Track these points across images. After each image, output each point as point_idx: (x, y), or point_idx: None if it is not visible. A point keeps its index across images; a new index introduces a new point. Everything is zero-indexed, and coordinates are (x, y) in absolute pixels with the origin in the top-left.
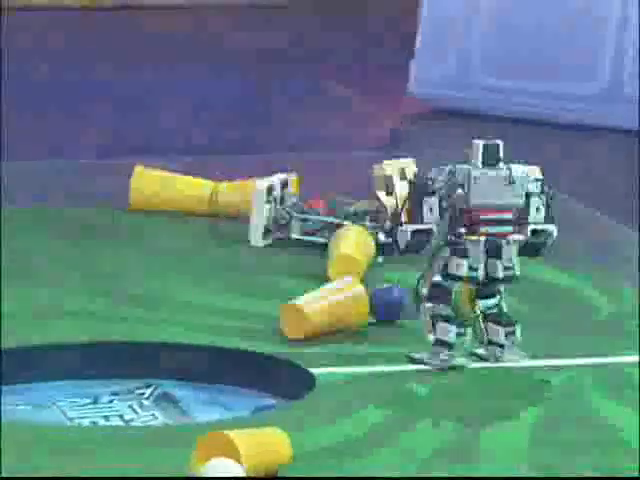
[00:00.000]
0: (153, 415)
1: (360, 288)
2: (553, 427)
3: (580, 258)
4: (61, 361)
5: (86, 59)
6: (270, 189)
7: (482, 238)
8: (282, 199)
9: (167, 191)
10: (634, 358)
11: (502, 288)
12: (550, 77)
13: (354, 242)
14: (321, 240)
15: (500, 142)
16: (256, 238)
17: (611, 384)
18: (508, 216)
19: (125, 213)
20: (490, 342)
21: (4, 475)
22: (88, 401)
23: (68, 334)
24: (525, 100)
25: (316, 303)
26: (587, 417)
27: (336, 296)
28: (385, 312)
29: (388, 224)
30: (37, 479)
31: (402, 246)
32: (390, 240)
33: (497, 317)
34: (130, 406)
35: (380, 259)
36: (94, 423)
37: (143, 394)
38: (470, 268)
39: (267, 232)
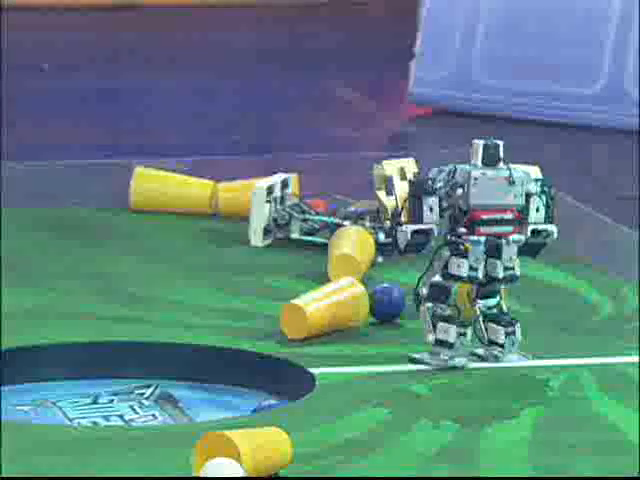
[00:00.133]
0: (153, 415)
1: (360, 288)
2: (553, 427)
3: (580, 258)
4: (61, 361)
5: (86, 59)
6: (270, 189)
7: (482, 238)
8: (282, 199)
9: (168, 192)
10: (634, 358)
11: (502, 288)
12: (550, 78)
13: (354, 242)
14: (321, 240)
15: (500, 142)
16: (256, 238)
17: (611, 384)
18: (508, 216)
19: (125, 213)
20: (491, 342)
21: (4, 475)
22: (88, 401)
23: (68, 334)
24: (525, 100)
25: (317, 303)
26: (588, 417)
27: (336, 296)
28: (385, 311)
29: (388, 224)
30: (37, 479)
31: (402, 246)
32: (390, 240)
33: (497, 317)
34: (130, 406)
35: (380, 259)
36: (94, 423)
37: (143, 394)
38: (470, 268)
39: (267, 232)
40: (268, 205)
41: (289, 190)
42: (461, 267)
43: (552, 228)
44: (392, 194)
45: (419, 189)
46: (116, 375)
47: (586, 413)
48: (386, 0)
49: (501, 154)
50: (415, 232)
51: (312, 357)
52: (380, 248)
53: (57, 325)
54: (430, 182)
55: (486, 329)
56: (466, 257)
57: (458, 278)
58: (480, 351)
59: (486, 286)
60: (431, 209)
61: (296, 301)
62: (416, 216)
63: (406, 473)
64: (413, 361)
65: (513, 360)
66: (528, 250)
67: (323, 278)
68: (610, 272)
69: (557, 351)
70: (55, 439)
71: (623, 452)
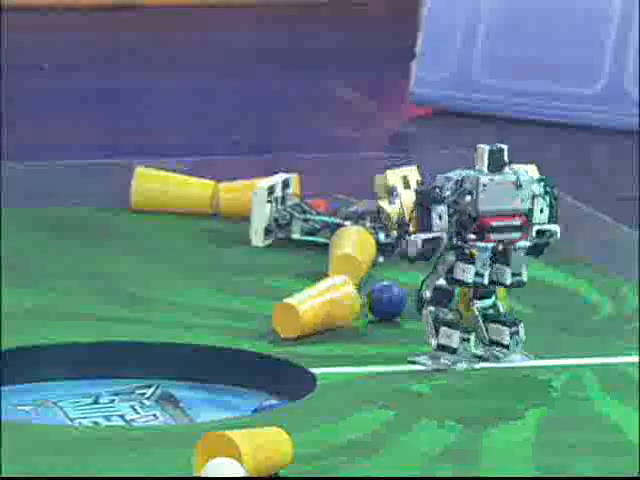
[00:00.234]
0: (154, 415)
1: (351, 286)
2: (556, 427)
3: (580, 258)
4: (61, 361)
5: (86, 59)
6: (271, 189)
7: (490, 244)
8: (283, 199)
9: (169, 192)
10: (634, 358)
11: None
12: (551, 78)
13: (355, 242)
14: (322, 240)
15: (505, 146)
16: (257, 238)
17: (613, 384)
18: (516, 222)
19: (125, 213)
20: (492, 342)
21: (4, 475)
22: (89, 401)
23: (68, 334)
24: (526, 100)
25: (309, 302)
26: (590, 417)
27: (329, 294)
28: (385, 310)
29: (395, 233)
30: (37, 479)
31: (412, 256)
32: (390, 240)
33: (499, 317)
34: (131, 406)
35: (381, 259)
36: (95, 423)
37: (144, 394)
38: (476, 274)
39: (268, 232)
40: (269, 205)
41: (290, 190)
42: (466, 272)
43: (555, 228)
44: (395, 204)
45: (427, 198)
46: (116, 375)
47: (588, 413)
48: (386, 0)
49: (506, 158)
50: (424, 241)
51: (312, 357)
52: (381, 248)
53: (57, 325)
54: (438, 190)
55: (487, 329)
56: (472, 262)
57: (463, 283)
58: (480, 351)
59: (483, 287)
60: (440, 217)
61: (289, 300)
62: (425, 225)
63: (409, 473)
64: (414, 364)
65: (516, 360)
66: (532, 250)
67: (324, 278)
68: (610, 272)
69: (558, 351)
70: (55, 439)
71: (625, 452)
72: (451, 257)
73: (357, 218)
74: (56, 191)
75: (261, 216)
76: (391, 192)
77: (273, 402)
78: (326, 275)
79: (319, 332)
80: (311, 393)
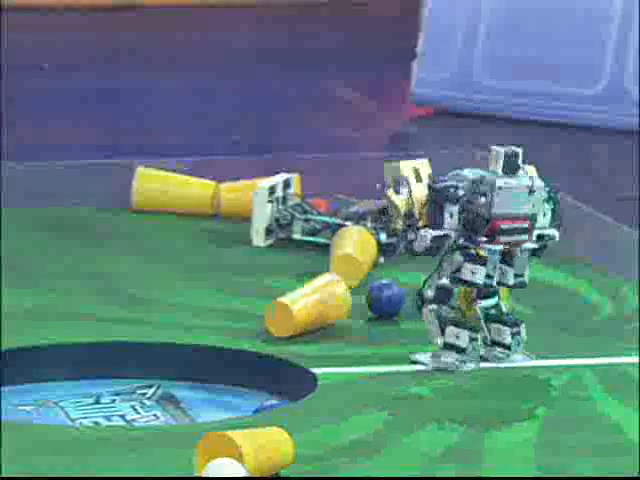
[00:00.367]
0: (155, 415)
1: (342, 284)
2: (558, 428)
3: (580, 258)
4: (61, 361)
5: (86, 59)
6: (272, 189)
7: (500, 247)
8: (284, 199)
9: (170, 192)
10: (634, 359)
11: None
12: (551, 78)
13: (356, 242)
14: (323, 241)
15: (520, 150)
16: (258, 238)
17: (614, 384)
18: (525, 225)
19: (125, 213)
20: (494, 342)
21: (4, 475)
22: (90, 401)
23: (68, 334)
24: (526, 101)
25: (302, 301)
26: (592, 417)
27: (321, 293)
28: (384, 308)
29: (400, 223)
30: (37, 479)
31: (419, 249)
32: (392, 241)
33: (501, 317)
34: (132, 406)
35: (381, 259)
36: (96, 423)
37: (145, 394)
38: (487, 276)
39: (269, 232)
40: (270, 205)
41: (291, 190)
42: (476, 274)
43: (554, 232)
44: (402, 194)
45: (441, 196)
46: (116, 375)
47: (589, 413)
48: (387, 0)
49: (520, 162)
50: (434, 237)
51: (313, 357)
52: (382, 248)
53: (57, 325)
54: (453, 190)
55: (489, 330)
56: (482, 264)
57: (472, 284)
58: (482, 351)
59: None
60: (451, 215)
61: (282, 299)
62: (436, 222)
63: (410, 474)
64: (415, 363)
65: (518, 360)
66: (532, 252)
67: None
68: (610, 272)
69: (558, 351)
70: (56, 439)
71: (626, 452)
72: (459, 257)
73: (358, 218)
74: (56, 191)
75: (262, 216)
76: (398, 181)
77: (274, 402)
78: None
79: (312, 331)
80: (312, 393)
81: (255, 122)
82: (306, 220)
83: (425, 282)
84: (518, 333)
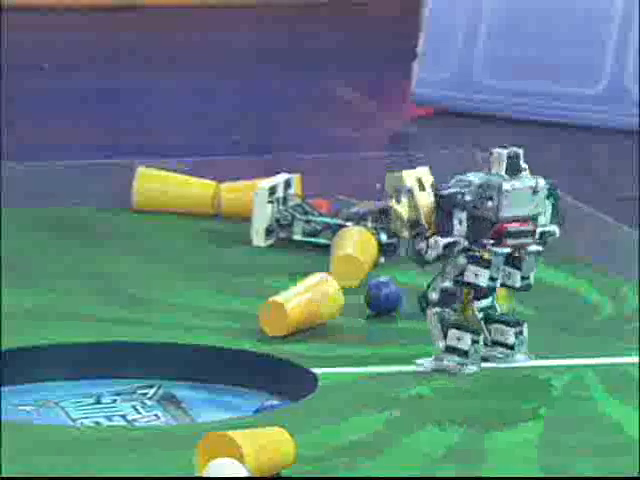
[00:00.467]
0: (156, 415)
1: (334, 283)
2: (560, 428)
3: (580, 258)
4: (61, 361)
5: (86, 59)
6: (272, 190)
7: (508, 249)
8: (285, 199)
9: (170, 192)
10: (634, 359)
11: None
12: (551, 78)
13: (357, 243)
14: (323, 241)
15: (521, 151)
16: (258, 238)
17: (615, 384)
18: (530, 227)
19: (126, 213)
20: (495, 343)
21: (4, 475)
22: (91, 401)
23: (68, 335)
24: (526, 101)
25: (295, 300)
26: (593, 417)
27: (313, 292)
28: (382, 305)
29: (406, 234)
30: (37, 479)
31: (430, 258)
32: (392, 240)
33: (503, 318)
34: (133, 406)
35: (382, 260)
36: (97, 423)
37: (146, 394)
38: (490, 278)
39: (270, 232)
40: (270, 205)
41: (292, 190)
42: (480, 276)
43: (554, 228)
44: (400, 202)
45: (449, 203)
46: (117, 375)
47: (591, 413)
48: (387, 0)
49: (522, 163)
50: (444, 245)
51: (313, 357)
52: (382, 249)
53: (57, 325)
54: (460, 196)
55: (489, 330)
56: (486, 267)
57: (475, 286)
58: (482, 352)
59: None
60: (460, 222)
61: (275, 298)
62: (445, 229)
63: (411, 475)
64: (418, 366)
65: (520, 360)
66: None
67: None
68: (610, 272)
69: (559, 351)
70: (56, 439)
71: (628, 452)
72: (463, 260)
73: (359, 219)
74: (56, 191)
75: (262, 216)
76: (399, 191)
77: (274, 402)
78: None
79: (304, 330)
80: (312, 393)
81: (255, 122)
82: (307, 221)
83: (429, 285)
84: (521, 333)
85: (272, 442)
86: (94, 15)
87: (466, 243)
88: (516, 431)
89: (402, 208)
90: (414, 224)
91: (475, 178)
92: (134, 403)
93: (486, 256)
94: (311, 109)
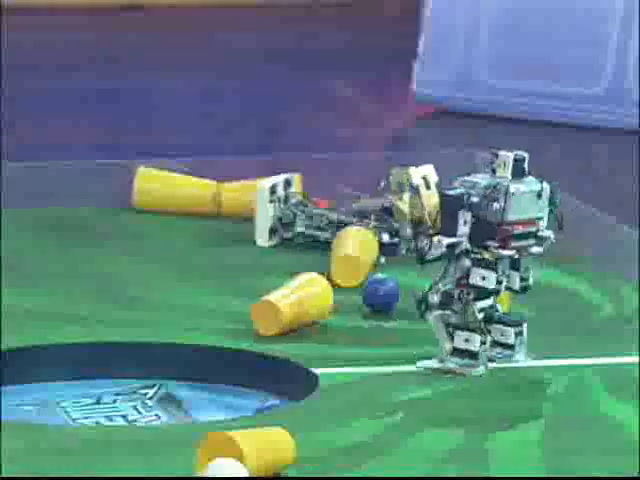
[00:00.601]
0: (156, 415)
1: (325, 281)
2: (562, 428)
3: (580, 258)
4: (61, 361)
5: (86, 59)
6: (273, 189)
7: (512, 252)
8: (286, 198)
9: (171, 192)
10: (634, 358)
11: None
12: (553, 78)
13: (357, 242)
14: (326, 235)
15: (526, 154)
16: (262, 238)
17: (617, 384)
18: (533, 229)
19: (126, 213)
20: (496, 343)
21: (4, 475)
22: (91, 401)
23: (68, 335)
24: (527, 101)
25: (286, 298)
26: (596, 417)
27: (304, 290)
28: (379, 302)
29: (409, 232)
30: (37, 479)
31: (432, 257)
32: (395, 240)
33: (503, 318)
34: (134, 406)
35: (382, 260)
36: (97, 423)
37: (146, 394)
38: (497, 281)
39: (273, 232)
40: (272, 205)
41: (292, 189)
42: (487, 279)
43: (549, 233)
44: (403, 198)
45: (456, 204)
46: (116, 375)
47: (594, 413)
48: (388, 0)
49: (526, 166)
50: (447, 245)
51: (313, 357)
52: (384, 249)
53: (57, 325)
54: (467, 197)
55: (489, 331)
56: (492, 269)
57: (482, 289)
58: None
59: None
60: (465, 222)
61: (268, 297)
62: (450, 229)
63: (412, 475)
64: (422, 369)
65: (520, 360)
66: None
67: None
68: (610, 272)
69: (559, 351)
70: (56, 439)
71: (633, 452)
72: (467, 263)
73: (361, 217)
74: (56, 191)
75: (264, 216)
76: (401, 186)
77: (275, 402)
78: (328, 276)
79: (296, 329)
80: (313, 393)
81: (256, 122)
82: (309, 218)
83: (430, 288)
84: (521, 333)
85: (272, 442)
86: (94, 15)
87: (467, 245)
88: (519, 432)
89: (405, 205)
90: (418, 222)
91: (480, 180)
92: (135, 403)
93: (487, 257)
94: (311, 109)
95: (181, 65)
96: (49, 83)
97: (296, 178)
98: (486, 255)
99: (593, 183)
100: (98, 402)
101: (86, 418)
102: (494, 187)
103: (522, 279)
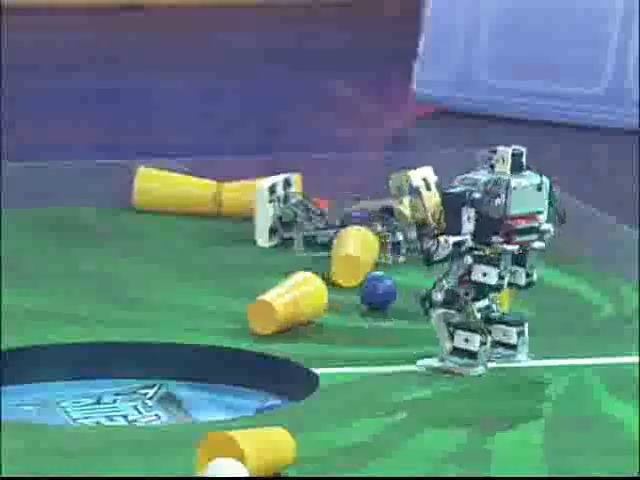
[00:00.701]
0: (157, 415)
1: (319, 280)
2: (564, 428)
3: (580, 258)
4: (61, 361)
5: (86, 59)
6: (272, 188)
7: (516, 247)
8: (286, 198)
9: (171, 191)
10: (634, 358)
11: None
12: (553, 78)
13: (358, 243)
14: (327, 237)
15: (524, 149)
16: (262, 238)
17: (618, 384)
18: (535, 224)
19: (126, 213)
20: (497, 343)
21: (4, 475)
22: (92, 401)
23: (68, 335)
24: (527, 101)
25: (281, 297)
26: (597, 417)
27: (299, 289)
28: (378, 300)
29: (413, 235)
30: (37, 479)
31: (439, 258)
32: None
33: (504, 318)
34: (134, 406)
35: (402, 258)
36: (98, 423)
37: (146, 394)
38: (499, 277)
39: (274, 232)
40: (271, 204)
41: (292, 189)
42: (489, 275)
43: (549, 227)
44: (403, 202)
45: (458, 201)
46: (116, 375)
47: (595, 413)
48: (388, 0)
49: (524, 161)
50: (453, 243)
51: (313, 357)
52: (397, 248)
53: (57, 325)
54: (468, 194)
55: (489, 331)
56: (494, 265)
57: (484, 286)
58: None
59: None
60: (469, 219)
61: (263, 297)
62: (455, 227)
63: (416, 475)
64: (421, 367)
65: (521, 360)
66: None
67: (326, 279)
68: (610, 272)
69: (560, 352)
70: (56, 439)
71: (634, 452)
72: (468, 259)
73: (368, 222)
74: (56, 191)
75: (264, 216)
76: (400, 191)
77: (275, 402)
78: (329, 276)
79: (290, 328)
80: (313, 393)
81: (256, 122)
82: (309, 219)
83: (433, 286)
84: (522, 333)
85: (272, 442)
86: (94, 15)
87: (471, 242)
88: (520, 432)
89: (406, 208)
90: (422, 224)
91: (480, 176)
92: (135, 403)
93: (488, 253)
94: (311, 109)
95: (181, 65)
96: (49, 83)
97: (296, 178)
98: (488, 251)
99: (593, 183)
100: (98, 402)
101: (86, 418)
102: (495, 182)
103: (527, 275)
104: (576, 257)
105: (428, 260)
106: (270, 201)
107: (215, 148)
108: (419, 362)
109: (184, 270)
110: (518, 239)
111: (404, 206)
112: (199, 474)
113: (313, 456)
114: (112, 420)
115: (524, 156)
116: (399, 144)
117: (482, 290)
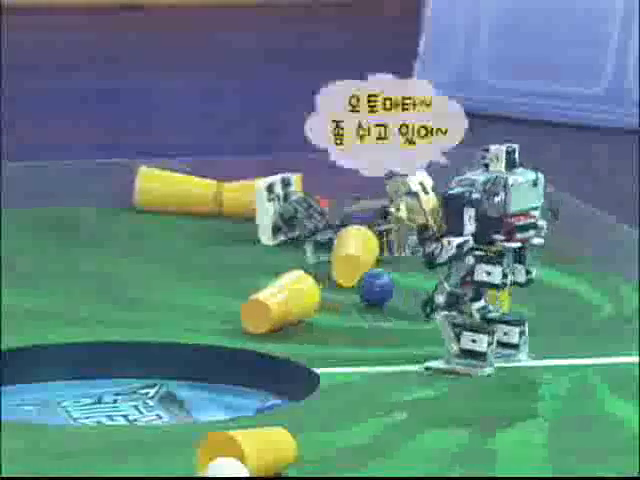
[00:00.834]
0: (158, 415)
1: (310, 279)
2: (567, 428)
3: (580, 258)
4: (61, 361)
5: (86, 59)
6: (270, 187)
7: (518, 244)
8: (285, 196)
9: (172, 191)
10: (634, 358)
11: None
12: (553, 78)
13: (358, 242)
14: (325, 240)
15: (516, 145)
16: (265, 237)
17: (619, 384)
18: (533, 220)
19: (126, 213)
20: (499, 343)
21: (4, 475)
22: (92, 401)
23: (68, 335)
24: (527, 101)
25: (274, 296)
26: (599, 417)
27: (292, 288)
28: (376, 297)
29: (415, 239)
30: (37, 479)
31: (442, 260)
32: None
33: (504, 318)
34: (135, 406)
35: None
36: (98, 423)
37: (147, 394)
38: (503, 275)
39: (277, 231)
40: (271, 203)
41: (292, 188)
42: (493, 274)
43: (542, 223)
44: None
45: (459, 202)
46: (116, 375)
47: (597, 412)
48: (388, 0)
49: (517, 157)
50: (457, 245)
51: (313, 357)
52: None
53: (57, 325)
54: (467, 194)
55: (494, 331)
56: (497, 263)
57: (488, 285)
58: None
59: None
60: (470, 219)
61: (257, 296)
62: (457, 228)
63: (417, 475)
64: (428, 369)
65: (523, 360)
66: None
67: (327, 279)
68: (610, 272)
69: (560, 351)
70: (56, 439)
71: (636, 451)
72: (471, 260)
73: (371, 223)
74: (56, 191)
75: (264, 215)
76: (397, 196)
77: (275, 402)
78: (329, 276)
79: (284, 327)
80: (313, 393)
81: (256, 122)
82: (309, 216)
83: (435, 288)
84: (523, 332)
85: (273, 442)
86: (94, 15)
87: (472, 243)
88: (521, 432)
89: (402, 212)
90: (423, 228)
91: (477, 176)
92: (136, 403)
93: (490, 252)
94: (311, 109)
95: (181, 65)
96: (49, 83)
97: (296, 178)
98: (494, 249)
99: (593, 183)
100: (99, 402)
101: (87, 418)
102: (493, 181)
103: (526, 272)
104: (576, 257)
105: (431, 263)
106: (269, 200)
107: (215, 148)
108: (426, 364)
109: (184, 270)
110: (519, 236)
111: (401, 210)
112: (199, 474)
113: (313, 456)
114: (113, 420)
115: (517, 153)
116: None
117: (480, 290)
